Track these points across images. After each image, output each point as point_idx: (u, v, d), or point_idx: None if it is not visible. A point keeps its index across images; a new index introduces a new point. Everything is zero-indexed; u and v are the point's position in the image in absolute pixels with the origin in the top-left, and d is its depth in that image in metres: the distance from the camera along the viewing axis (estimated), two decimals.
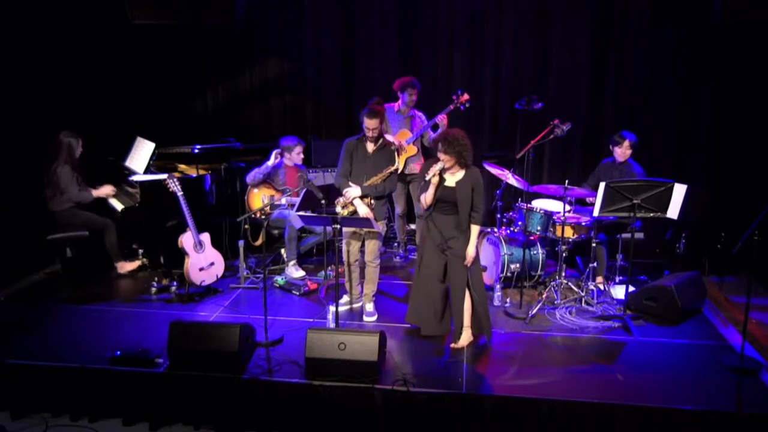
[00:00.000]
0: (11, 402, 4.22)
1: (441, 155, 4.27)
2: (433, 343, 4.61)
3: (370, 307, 5.08)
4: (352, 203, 4.81)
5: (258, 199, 5.96)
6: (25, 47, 6.06)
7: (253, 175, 5.87)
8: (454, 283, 4.48)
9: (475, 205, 4.37)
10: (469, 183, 4.35)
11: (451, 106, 5.81)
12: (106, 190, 5.90)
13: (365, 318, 5.03)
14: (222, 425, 4.08)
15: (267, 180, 5.98)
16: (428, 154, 5.58)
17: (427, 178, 4.31)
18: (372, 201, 4.83)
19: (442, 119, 5.74)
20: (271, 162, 5.86)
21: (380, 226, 4.90)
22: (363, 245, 5.05)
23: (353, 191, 4.78)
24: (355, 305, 5.21)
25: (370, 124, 4.70)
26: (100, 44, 6.85)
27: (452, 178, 4.39)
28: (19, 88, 5.98)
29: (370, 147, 4.82)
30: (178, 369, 4.16)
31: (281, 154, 5.93)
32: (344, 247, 4.98)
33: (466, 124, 6.15)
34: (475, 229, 4.40)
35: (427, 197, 4.41)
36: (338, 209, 4.84)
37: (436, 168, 4.27)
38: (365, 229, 4.88)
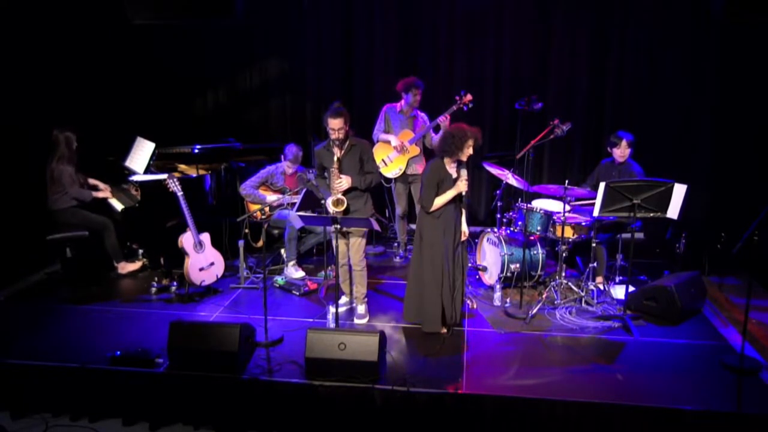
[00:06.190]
0: (11, 402, 4.22)
1: (456, 158, 4.52)
2: (433, 343, 4.61)
3: (361, 309, 5.03)
4: (340, 199, 4.68)
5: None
6: (25, 46, 6.06)
7: (246, 191, 5.92)
8: (463, 268, 4.74)
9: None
10: (462, 173, 4.60)
11: (455, 107, 5.79)
12: (104, 193, 5.90)
13: (356, 320, 4.98)
14: (222, 425, 4.08)
15: (264, 185, 5.98)
16: (430, 155, 5.59)
17: (463, 180, 4.52)
18: (343, 203, 4.67)
19: (444, 120, 5.73)
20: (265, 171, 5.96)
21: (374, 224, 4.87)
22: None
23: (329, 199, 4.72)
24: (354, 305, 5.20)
25: (334, 123, 4.60)
26: (101, 43, 6.85)
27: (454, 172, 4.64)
28: (18, 88, 5.97)
29: (338, 152, 4.68)
30: (178, 369, 4.16)
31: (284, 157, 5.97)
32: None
33: (467, 124, 6.14)
34: (464, 212, 4.77)
35: (445, 199, 4.52)
36: (329, 204, 4.70)
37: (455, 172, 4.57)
38: (351, 228, 4.81)
